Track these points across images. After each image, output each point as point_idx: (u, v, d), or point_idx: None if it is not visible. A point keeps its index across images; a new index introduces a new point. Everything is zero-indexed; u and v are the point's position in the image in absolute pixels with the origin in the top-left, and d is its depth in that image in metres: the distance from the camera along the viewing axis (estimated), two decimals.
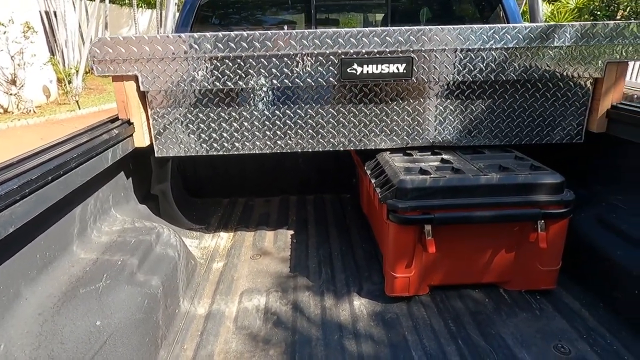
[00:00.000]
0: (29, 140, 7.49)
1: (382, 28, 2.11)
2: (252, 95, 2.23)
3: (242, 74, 2.15)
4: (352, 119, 2.31)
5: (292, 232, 2.89)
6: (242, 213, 3.19)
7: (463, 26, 2.10)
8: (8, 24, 8.95)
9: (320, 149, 2.35)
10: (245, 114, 2.27)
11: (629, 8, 11.68)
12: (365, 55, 2.13)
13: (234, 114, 2.27)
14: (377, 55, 2.13)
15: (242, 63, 2.13)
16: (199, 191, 3.36)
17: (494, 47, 2.14)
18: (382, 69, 2.16)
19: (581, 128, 2.37)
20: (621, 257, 1.96)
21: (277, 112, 2.27)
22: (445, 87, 2.27)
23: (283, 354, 1.82)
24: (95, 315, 1.56)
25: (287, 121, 2.29)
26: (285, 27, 3.71)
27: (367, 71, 2.16)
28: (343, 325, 1.98)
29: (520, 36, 2.13)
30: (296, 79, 2.17)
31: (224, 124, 2.28)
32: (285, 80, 2.17)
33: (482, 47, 2.14)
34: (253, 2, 3.65)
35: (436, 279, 2.13)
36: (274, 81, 2.17)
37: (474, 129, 2.36)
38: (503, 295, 2.16)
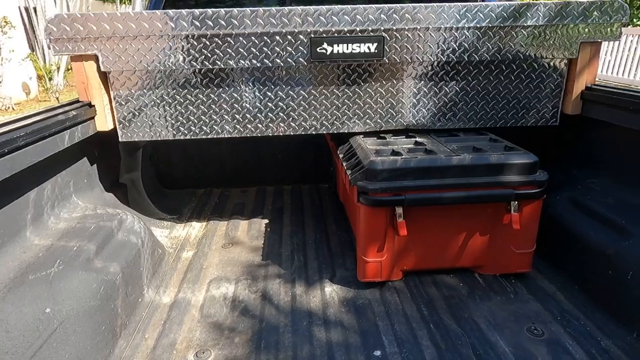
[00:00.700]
0: None
1: (352, 6, 2.05)
2: (219, 76, 2.16)
3: (208, 54, 2.07)
4: (324, 101, 2.25)
5: (266, 221, 2.82)
6: (216, 203, 3.11)
7: (435, 4, 2.05)
8: None
9: (292, 133, 2.29)
10: (212, 96, 2.19)
11: None
12: (336, 35, 2.07)
13: (200, 96, 2.19)
14: (348, 34, 2.07)
15: (207, 42, 2.05)
16: (172, 182, 3.27)
17: (466, 26, 2.10)
18: (352, 49, 2.10)
19: (556, 110, 2.34)
20: (594, 238, 1.93)
21: (246, 94, 2.20)
22: (419, 68, 2.21)
23: (249, 341, 1.75)
24: (45, 302, 1.48)
25: (257, 104, 2.22)
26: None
27: (338, 51, 2.09)
28: (313, 312, 1.92)
29: (493, 15, 2.09)
30: (264, 59, 2.10)
31: (190, 107, 2.20)
32: (253, 60, 2.10)
33: (454, 26, 2.10)
34: None
35: (409, 263, 2.08)
36: (242, 61, 2.10)
37: (448, 112, 2.31)
38: (477, 280, 2.12)
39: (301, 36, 2.07)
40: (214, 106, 2.21)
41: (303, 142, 3.27)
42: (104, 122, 2.16)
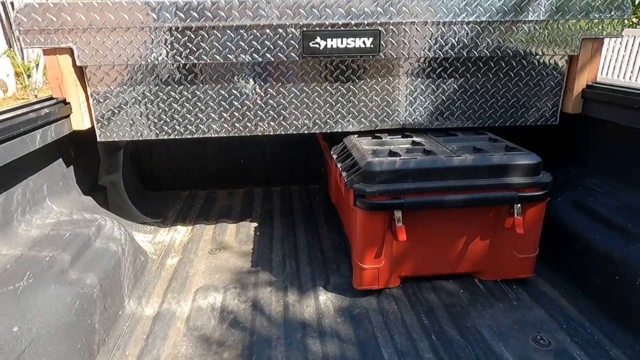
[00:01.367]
0: None
1: None
2: (205, 72, 2.02)
3: (193, 48, 1.94)
4: (316, 99, 2.13)
5: (255, 224, 2.69)
6: (202, 206, 2.96)
7: None
8: None
9: (283, 132, 2.17)
10: (198, 93, 2.06)
11: None
12: (329, 28, 1.96)
13: (185, 93, 2.05)
14: (342, 28, 1.96)
15: (192, 35, 1.92)
16: (155, 183, 3.12)
17: (466, 20, 2.00)
18: (347, 44, 1.99)
19: (556, 109, 2.26)
20: (600, 241, 1.86)
21: (234, 91, 2.07)
22: (416, 64, 2.11)
23: (239, 356, 1.63)
24: (12, 320, 1.33)
25: (246, 101, 2.09)
26: None
27: (332, 46, 1.98)
28: (307, 322, 1.80)
29: (494, 9, 2.00)
30: (254, 54, 1.97)
31: (174, 105, 2.06)
32: (241, 55, 1.97)
33: (453, 21, 2.00)
34: None
35: (407, 269, 1.98)
36: (229, 56, 1.97)
37: (446, 110, 2.22)
38: (478, 286, 2.03)
39: (293, 29, 1.95)
40: (199, 104, 2.07)
41: (292, 140, 3.14)
42: (80, 120, 2.01)
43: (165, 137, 2.10)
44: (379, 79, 2.13)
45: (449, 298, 1.95)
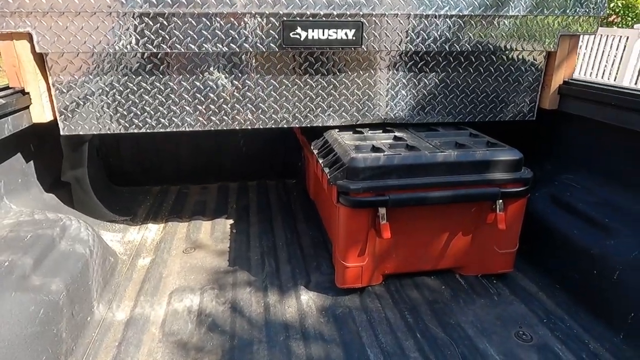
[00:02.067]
0: None
1: None
2: (178, 62, 1.91)
3: (166, 36, 1.82)
4: (296, 92, 2.05)
5: (231, 221, 2.60)
6: (174, 202, 2.84)
7: None
8: None
9: (261, 126, 2.08)
10: (171, 84, 1.94)
11: None
12: (310, 18, 1.88)
13: (157, 84, 1.93)
14: (324, 18, 1.89)
15: (164, 22, 1.80)
16: (124, 178, 2.96)
17: (448, 14, 1.98)
18: (329, 35, 1.92)
19: (534, 105, 2.29)
20: (578, 236, 1.89)
21: (210, 82, 1.96)
22: (398, 57, 2.07)
23: None
24: None
25: (222, 93, 1.99)
26: None
27: (313, 37, 1.91)
28: (289, 324, 1.75)
29: (476, 3, 1.98)
30: (231, 44, 1.87)
31: (145, 97, 1.94)
32: (218, 44, 1.86)
33: (436, 14, 1.97)
34: None
35: (390, 267, 1.95)
36: (205, 45, 1.86)
37: (427, 105, 2.20)
38: (459, 281, 2.03)
39: (272, 19, 1.86)
40: (173, 96, 1.96)
41: (269, 134, 3.06)
42: (41, 112, 1.85)
43: (136, 131, 1.98)
44: (361, 72, 2.08)
45: (431, 295, 1.94)
